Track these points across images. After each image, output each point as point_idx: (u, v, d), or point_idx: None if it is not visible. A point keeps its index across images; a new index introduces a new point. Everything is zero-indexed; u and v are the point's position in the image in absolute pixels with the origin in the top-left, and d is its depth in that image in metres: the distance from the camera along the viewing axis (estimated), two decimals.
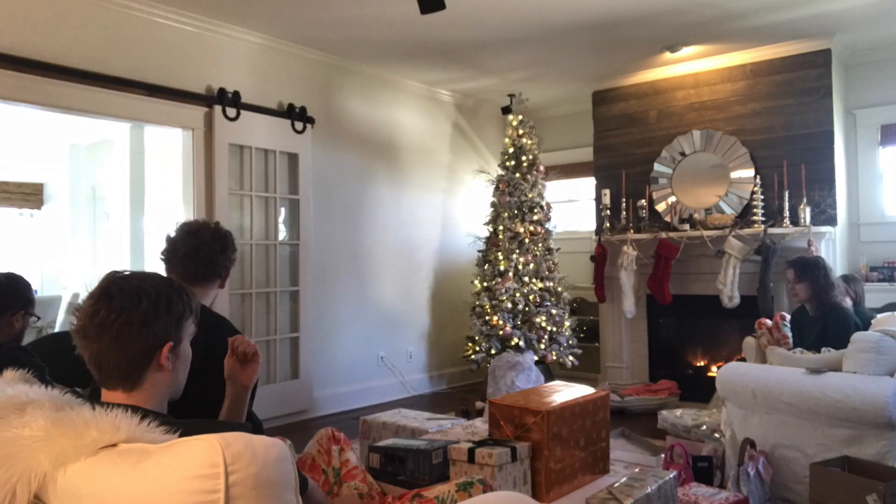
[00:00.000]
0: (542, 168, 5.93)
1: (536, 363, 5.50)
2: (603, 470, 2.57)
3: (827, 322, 3.61)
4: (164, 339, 1.33)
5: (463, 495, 1.68)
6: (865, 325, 4.03)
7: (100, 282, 1.35)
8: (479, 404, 4.90)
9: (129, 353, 1.29)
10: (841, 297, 3.72)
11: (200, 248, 2.14)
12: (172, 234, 2.19)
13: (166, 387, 1.36)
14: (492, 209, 5.91)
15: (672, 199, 5.61)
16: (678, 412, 4.26)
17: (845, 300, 3.86)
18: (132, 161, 6.78)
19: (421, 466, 2.26)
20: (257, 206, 4.87)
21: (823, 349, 3.34)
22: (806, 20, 4.66)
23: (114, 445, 1.05)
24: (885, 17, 4.62)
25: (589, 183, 6.33)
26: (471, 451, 2.21)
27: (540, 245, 5.74)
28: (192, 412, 1.52)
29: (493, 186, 5.94)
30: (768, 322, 3.84)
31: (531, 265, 5.65)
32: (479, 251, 5.91)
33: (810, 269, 3.67)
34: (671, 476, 2.34)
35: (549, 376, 5.52)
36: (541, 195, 5.87)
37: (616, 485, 2.19)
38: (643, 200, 5.65)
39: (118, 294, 1.30)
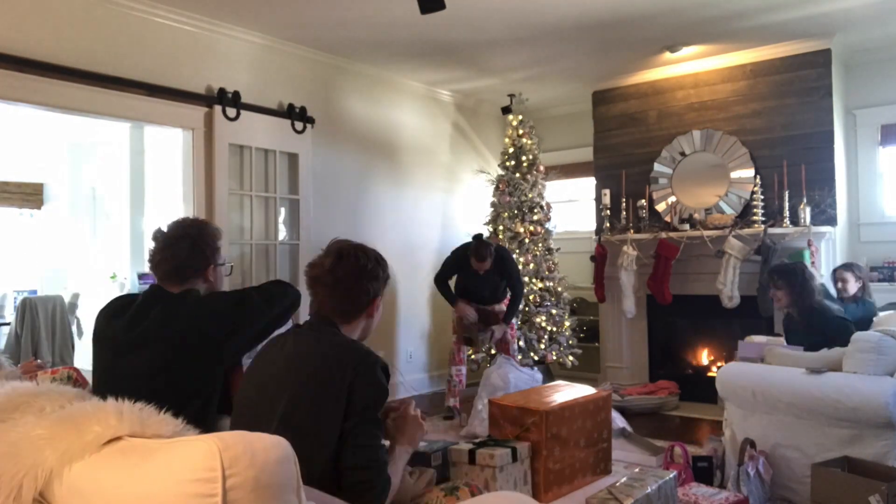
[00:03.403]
0: (542, 168, 5.93)
1: (536, 363, 5.49)
2: (605, 471, 2.57)
3: (811, 323, 3.64)
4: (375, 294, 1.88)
5: (452, 499, 1.68)
6: (869, 316, 4.07)
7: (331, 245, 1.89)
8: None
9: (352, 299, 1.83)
10: (821, 299, 3.78)
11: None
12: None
13: (363, 330, 1.88)
14: (492, 209, 5.91)
15: (672, 199, 5.60)
16: None
17: (847, 289, 4.30)
18: (132, 161, 6.79)
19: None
20: (257, 206, 4.86)
21: (823, 350, 3.33)
22: (806, 20, 4.65)
23: (119, 438, 1.05)
24: (885, 17, 4.62)
25: (589, 183, 6.32)
26: (471, 453, 2.21)
27: (540, 245, 5.74)
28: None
29: (493, 186, 5.93)
30: None
31: (531, 265, 5.65)
32: None
33: (787, 274, 3.75)
34: (671, 476, 2.34)
35: (549, 376, 5.52)
36: (541, 195, 5.87)
37: (616, 485, 2.19)
38: (643, 200, 5.64)
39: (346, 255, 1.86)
